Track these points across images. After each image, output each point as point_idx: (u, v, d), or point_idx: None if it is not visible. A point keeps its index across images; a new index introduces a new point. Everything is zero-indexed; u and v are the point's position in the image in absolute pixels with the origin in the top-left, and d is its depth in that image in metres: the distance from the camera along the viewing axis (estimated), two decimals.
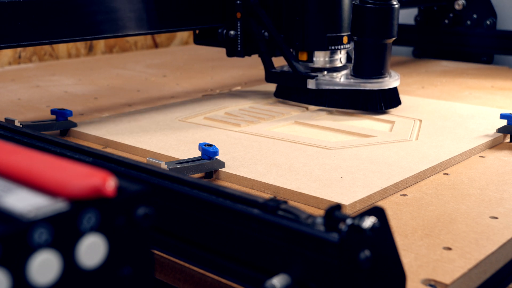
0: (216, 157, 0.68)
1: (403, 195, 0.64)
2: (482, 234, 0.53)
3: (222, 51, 1.10)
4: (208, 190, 0.44)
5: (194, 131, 0.85)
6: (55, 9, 0.81)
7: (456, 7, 1.51)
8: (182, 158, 0.69)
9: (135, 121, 0.91)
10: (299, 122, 0.91)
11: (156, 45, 1.90)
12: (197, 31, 1.09)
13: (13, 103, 1.09)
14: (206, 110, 0.97)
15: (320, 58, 1.00)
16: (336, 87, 0.95)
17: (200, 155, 0.69)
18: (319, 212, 0.55)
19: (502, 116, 0.84)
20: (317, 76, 0.96)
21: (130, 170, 0.50)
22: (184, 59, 1.64)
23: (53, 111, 0.87)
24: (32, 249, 0.27)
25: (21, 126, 0.76)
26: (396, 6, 0.92)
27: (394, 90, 0.96)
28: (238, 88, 1.20)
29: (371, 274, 0.37)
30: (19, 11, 0.77)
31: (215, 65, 1.53)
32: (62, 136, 0.87)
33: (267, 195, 0.63)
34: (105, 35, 0.88)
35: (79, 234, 0.28)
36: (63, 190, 0.29)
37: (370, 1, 0.92)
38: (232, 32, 1.04)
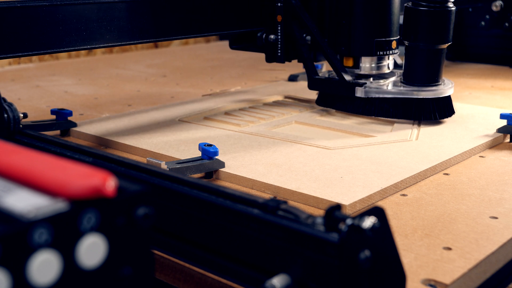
0: (216, 157, 0.68)
1: (403, 195, 0.64)
2: (482, 234, 0.53)
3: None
4: (208, 190, 0.44)
5: (194, 131, 0.85)
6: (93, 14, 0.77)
7: (494, 8, 1.43)
8: (182, 158, 0.69)
9: (135, 121, 0.91)
10: (299, 122, 0.91)
11: (156, 45, 1.90)
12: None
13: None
14: (206, 110, 0.98)
15: (366, 64, 0.94)
16: (387, 96, 0.89)
17: (200, 155, 0.69)
18: (319, 212, 0.55)
19: (502, 116, 0.84)
20: (365, 83, 0.90)
21: (130, 170, 0.50)
22: (184, 59, 1.64)
23: (53, 111, 0.87)
24: (32, 249, 0.27)
25: (21, 126, 0.76)
26: (453, 8, 0.87)
27: (448, 99, 0.90)
28: (238, 88, 1.20)
29: (371, 274, 0.37)
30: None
31: (215, 65, 1.53)
32: (62, 136, 0.87)
33: (267, 195, 0.63)
34: (148, 40, 0.84)
35: (79, 234, 0.28)
36: (63, 190, 0.29)
37: (424, 3, 0.87)
38: (272, 36, 0.98)
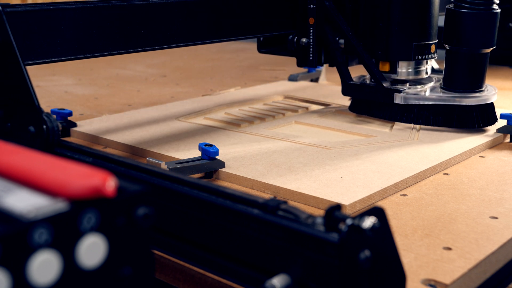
0: (216, 157, 0.68)
1: (403, 195, 0.64)
2: (482, 234, 0.53)
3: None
4: (208, 190, 0.44)
5: (194, 131, 0.85)
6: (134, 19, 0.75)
7: None
8: (182, 158, 0.69)
9: (135, 121, 0.91)
10: (299, 122, 0.91)
11: None
12: (261, 38, 0.99)
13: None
14: (206, 110, 0.98)
15: (404, 69, 0.90)
16: (427, 102, 0.85)
17: (200, 155, 0.69)
18: (319, 212, 0.55)
19: (502, 116, 0.84)
20: (404, 89, 0.87)
21: (130, 170, 0.50)
22: (184, 59, 1.64)
23: (53, 111, 0.87)
24: (32, 249, 0.27)
25: None
26: (498, 10, 0.83)
27: (491, 105, 0.86)
28: (238, 88, 1.20)
29: (371, 274, 0.37)
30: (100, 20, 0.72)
31: (215, 65, 1.53)
32: (62, 136, 0.87)
33: (267, 195, 0.63)
34: (180, 44, 0.81)
35: (79, 234, 0.28)
36: (63, 190, 0.29)
37: (467, 5, 0.82)
38: (304, 40, 0.94)
